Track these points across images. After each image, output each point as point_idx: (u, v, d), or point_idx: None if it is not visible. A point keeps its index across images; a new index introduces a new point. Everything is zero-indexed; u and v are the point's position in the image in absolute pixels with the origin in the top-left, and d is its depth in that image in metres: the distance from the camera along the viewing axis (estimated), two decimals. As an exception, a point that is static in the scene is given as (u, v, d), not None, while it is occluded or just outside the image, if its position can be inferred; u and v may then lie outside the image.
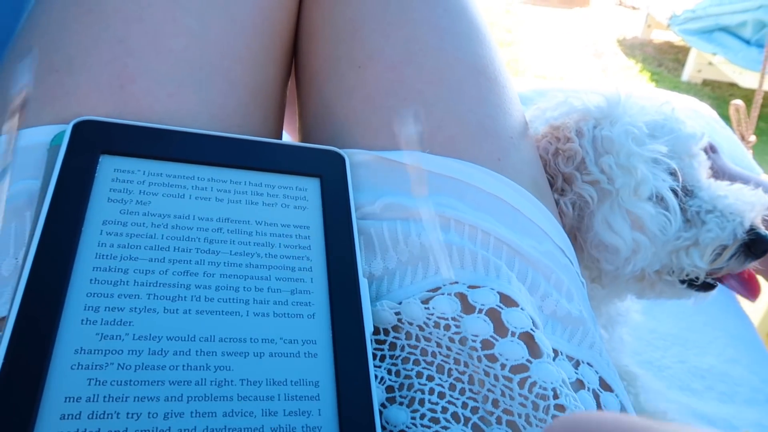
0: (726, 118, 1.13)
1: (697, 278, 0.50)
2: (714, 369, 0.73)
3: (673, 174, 0.49)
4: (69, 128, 0.33)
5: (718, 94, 3.03)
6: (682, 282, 0.51)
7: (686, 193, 0.50)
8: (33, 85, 0.35)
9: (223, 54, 0.39)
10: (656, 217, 0.47)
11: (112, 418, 0.26)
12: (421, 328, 0.33)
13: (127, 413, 0.26)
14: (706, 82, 3.17)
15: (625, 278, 0.51)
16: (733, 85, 2.95)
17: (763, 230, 0.49)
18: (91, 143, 0.33)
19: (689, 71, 3.18)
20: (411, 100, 0.40)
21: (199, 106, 0.38)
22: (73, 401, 0.25)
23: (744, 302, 0.87)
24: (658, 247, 0.48)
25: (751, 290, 0.53)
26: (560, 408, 0.30)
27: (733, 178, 0.62)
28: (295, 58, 0.49)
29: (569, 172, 0.48)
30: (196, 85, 0.38)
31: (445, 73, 0.40)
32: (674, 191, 0.48)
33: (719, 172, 0.63)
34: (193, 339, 0.29)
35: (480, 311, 0.32)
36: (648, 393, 0.62)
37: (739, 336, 0.80)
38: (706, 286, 0.52)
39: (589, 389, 0.34)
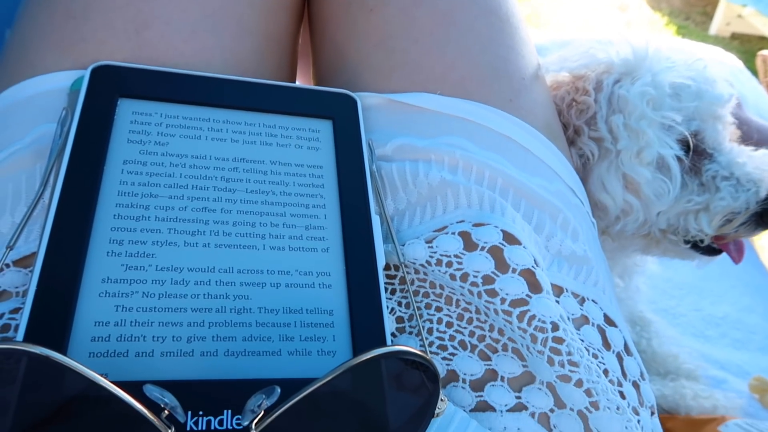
0: (755, 72, 1.10)
1: (702, 241, 0.50)
2: (729, 317, 0.74)
3: (684, 142, 0.48)
4: (87, 73, 0.34)
5: (747, 48, 2.93)
6: (686, 243, 0.51)
7: (705, 156, 0.50)
8: (50, 31, 0.36)
9: (236, 0, 0.40)
10: (653, 183, 0.47)
11: (138, 340, 0.27)
12: (423, 266, 0.34)
13: (153, 336, 0.27)
14: (734, 36, 3.07)
15: (629, 234, 0.51)
16: (763, 39, 2.85)
17: None
18: (110, 87, 0.34)
19: (717, 24, 3.07)
20: (422, 42, 0.40)
21: (212, 52, 0.38)
22: (102, 325, 0.27)
23: (761, 252, 0.87)
24: (651, 211, 0.48)
25: (740, 254, 0.53)
26: (558, 340, 0.31)
27: (757, 131, 0.61)
28: (307, 6, 0.49)
29: (579, 125, 0.48)
30: (209, 31, 0.38)
31: (456, 13, 0.40)
32: (680, 159, 0.47)
33: (743, 126, 0.62)
34: (212, 270, 0.30)
35: (482, 248, 0.33)
36: (661, 338, 0.63)
37: (756, 285, 0.80)
38: (711, 251, 0.52)
39: (593, 324, 0.35)
